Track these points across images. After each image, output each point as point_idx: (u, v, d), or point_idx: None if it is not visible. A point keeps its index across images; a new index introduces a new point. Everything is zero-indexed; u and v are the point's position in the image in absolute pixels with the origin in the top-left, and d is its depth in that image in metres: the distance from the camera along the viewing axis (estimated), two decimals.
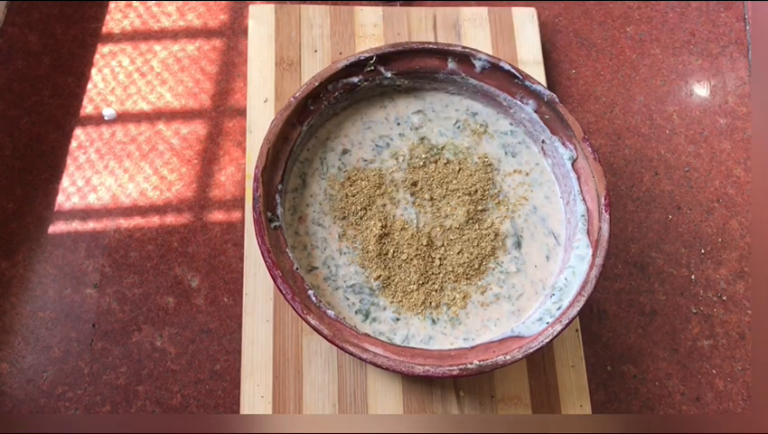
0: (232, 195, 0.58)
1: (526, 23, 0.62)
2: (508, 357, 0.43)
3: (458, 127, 0.54)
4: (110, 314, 0.53)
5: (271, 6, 0.60)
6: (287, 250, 0.46)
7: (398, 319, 0.47)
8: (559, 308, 0.45)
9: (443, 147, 0.53)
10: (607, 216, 0.47)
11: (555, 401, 0.50)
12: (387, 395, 0.50)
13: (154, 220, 0.56)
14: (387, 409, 0.50)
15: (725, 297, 0.58)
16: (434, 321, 0.47)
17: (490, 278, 0.49)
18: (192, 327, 0.53)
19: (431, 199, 0.51)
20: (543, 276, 0.50)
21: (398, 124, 0.53)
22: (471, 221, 0.50)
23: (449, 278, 0.49)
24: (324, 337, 0.43)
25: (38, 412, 0.50)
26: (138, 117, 0.60)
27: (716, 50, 0.68)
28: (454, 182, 0.51)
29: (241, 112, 0.60)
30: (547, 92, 0.50)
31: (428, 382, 0.50)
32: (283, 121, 0.48)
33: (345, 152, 0.52)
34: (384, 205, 0.50)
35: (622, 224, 0.60)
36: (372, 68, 0.51)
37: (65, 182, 0.57)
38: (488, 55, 0.51)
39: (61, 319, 0.53)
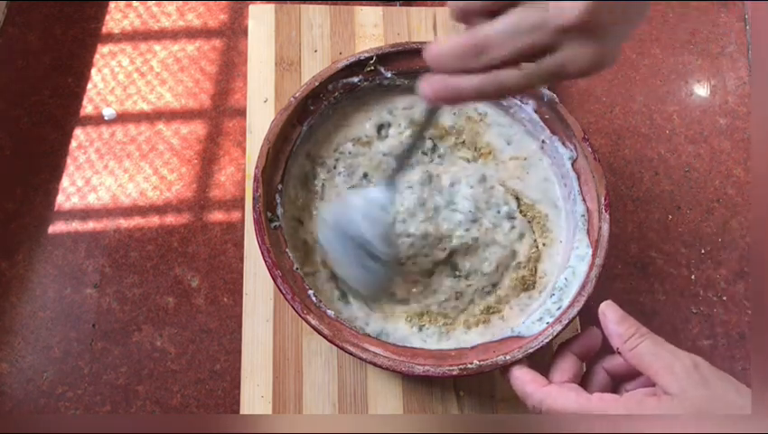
0: (232, 195, 0.57)
1: None
2: (508, 357, 0.43)
3: None
4: (110, 314, 0.53)
5: (271, 6, 0.60)
6: (287, 250, 0.46)
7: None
8: (559, 308, 0.45)
9: None
10: (607, 216, 0.47)
11: None
12: (387, 395, 0.50)
13: (154, 220, 0.56)
14: (387, 409, 0.50)
15: (725, 297, 0.58)
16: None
17: None
18: (191, 327, 0.53)
19: None
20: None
21: (398, 124, 0.53)
22: None
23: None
24: (324, 337, 0.43)
25: (38, 412, 0.50)
26: (138, 117, 0.60)
27: (716, 50, 0.68)
28: None
29: (241, 112, 0.60)
30: (548, 92, 0.50)
31: (428, 382, 0.50)
32: (283, 121, 0.48)
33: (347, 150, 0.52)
34: None
35: (622, 224, 0.60)
36: (372, 68, 0.51)
37: (65, 182, 0.57)
38: None
39: (61, 319, 0.53)
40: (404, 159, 0.46)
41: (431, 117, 0.39)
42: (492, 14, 0.29)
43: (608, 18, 0.29)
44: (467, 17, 0.30)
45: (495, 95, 0.32)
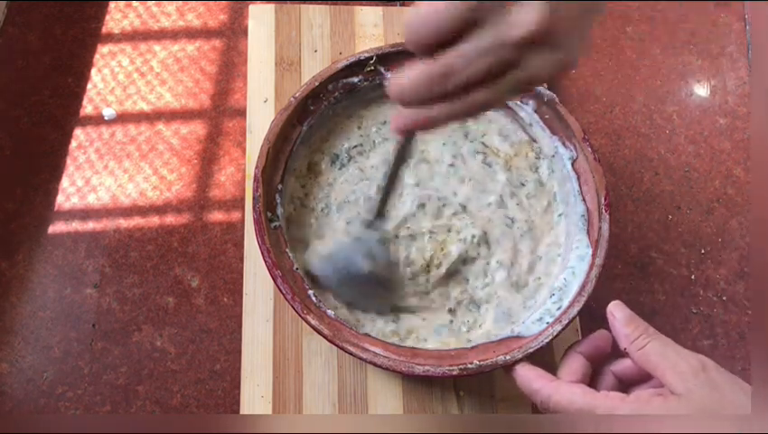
0: (232, 195, 0.58)
1: None
2: (508, 357, 0.43)
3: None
4: (110, 314, 0.53)
5: (271, 6, 0.60)
6: (287, 250, 0.46)
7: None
8: (559, 308, 0.45)
9: None
10: (607, 216, 0.47)
11: None
12: (387, 395, 0.50)
13: (154, 220, 0.56)
14: (387, 409, 0.50)
15: (725, 297, 0.58)
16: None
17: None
18: (191, 327, 0.53)
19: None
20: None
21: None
22: None
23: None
24: (324, 337, 0.43)
25: (38, 412, 0.50)
26: (138, 118, 0.60)
27: (716, 50, 0.68)
28: None
29: (241, 112, 0.60)
30: (548, 92, 0.50)
31: (428, 382, 0.50)
32: (283, 121, 0.48)
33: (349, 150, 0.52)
34: None
35: (622, 224, 0.60)
36: (372, 68, 0.51)
37: (65, 182, 0.57)
38: None
39: (61, 319, 0.53)
40: (388, 192, 0.43)
41: (407, 149, 0.38)
42: (450, 42, 0.29)
43: (564, 25, 0.28)
44: (426, 49, 0.30)
45: (467, 114, 0.31)
